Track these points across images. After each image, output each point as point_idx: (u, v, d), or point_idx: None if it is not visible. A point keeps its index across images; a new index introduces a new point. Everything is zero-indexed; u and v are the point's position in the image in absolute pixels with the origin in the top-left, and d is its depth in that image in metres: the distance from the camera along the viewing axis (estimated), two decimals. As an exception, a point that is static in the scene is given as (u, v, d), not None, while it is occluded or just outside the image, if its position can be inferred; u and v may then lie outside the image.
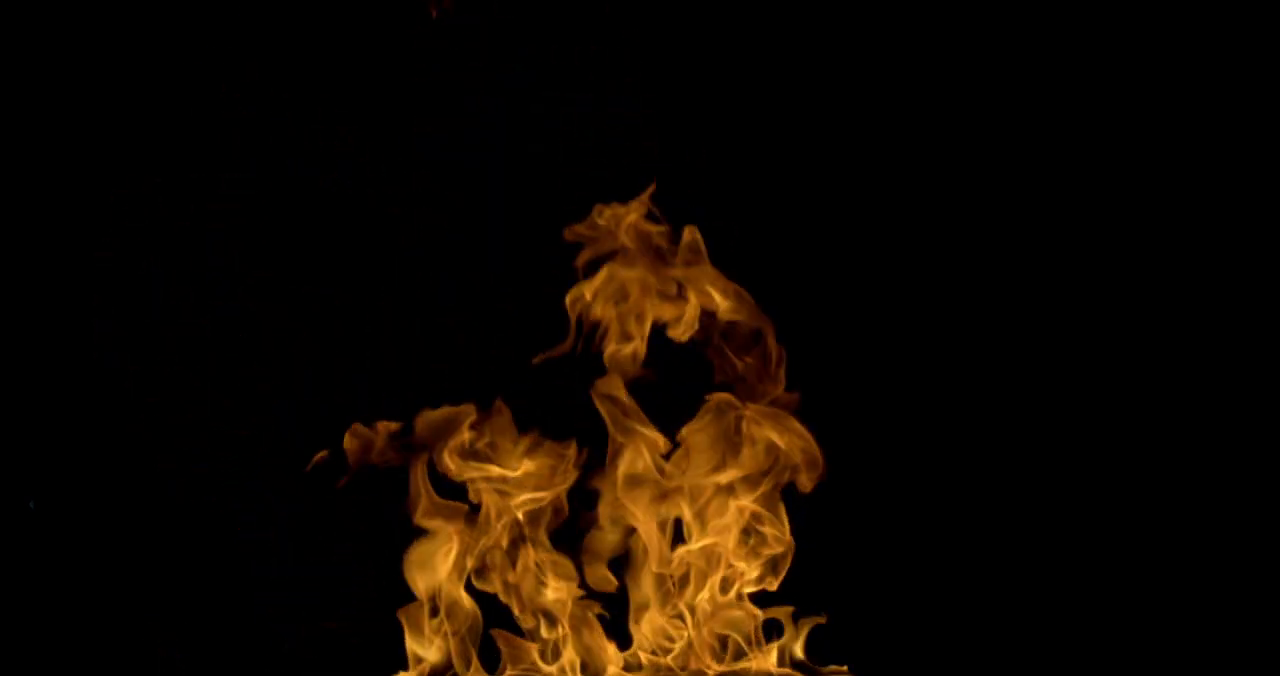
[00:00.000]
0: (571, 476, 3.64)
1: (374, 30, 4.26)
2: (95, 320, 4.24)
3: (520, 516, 3.62)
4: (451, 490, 3.66)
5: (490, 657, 3.64)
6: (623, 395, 3.68)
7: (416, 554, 3.61)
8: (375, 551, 3.87)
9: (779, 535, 3.64)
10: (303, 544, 4.22)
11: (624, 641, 3.67)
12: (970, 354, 4.29)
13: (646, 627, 3.66)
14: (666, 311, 3.72)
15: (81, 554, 4.23)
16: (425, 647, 3.61)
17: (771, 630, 3.66)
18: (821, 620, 3.65)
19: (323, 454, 3.69)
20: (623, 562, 3.69)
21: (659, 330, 3.74)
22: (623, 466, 3.66)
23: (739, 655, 3.64)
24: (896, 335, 4.30)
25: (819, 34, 4.29)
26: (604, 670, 3.64)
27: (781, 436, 3.65)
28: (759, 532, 3.65)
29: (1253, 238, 4.26)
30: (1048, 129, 4.28)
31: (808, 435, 3.66)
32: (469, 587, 3.64)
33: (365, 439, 3.65)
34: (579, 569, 3.66)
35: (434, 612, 3.62)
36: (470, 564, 3.62)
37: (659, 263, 3.73)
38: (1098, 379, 4.28)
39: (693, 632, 3.64)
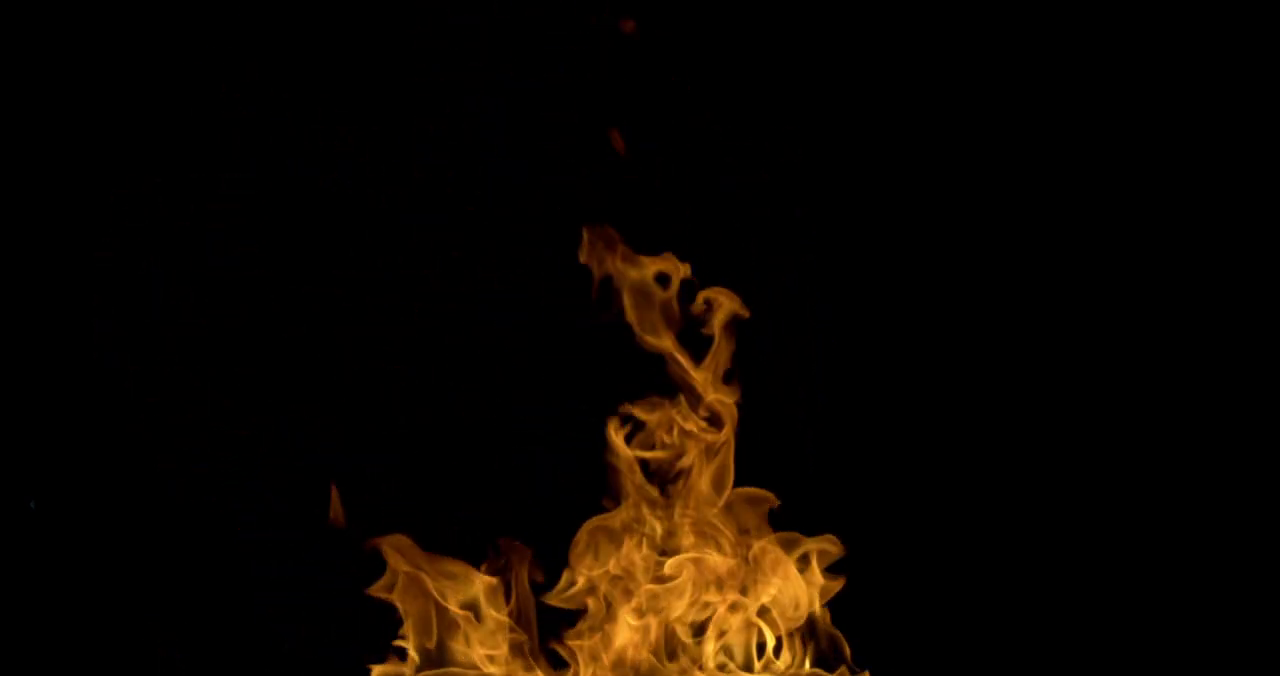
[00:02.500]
0: None
1: (374, 30, 4.26)
2: (95, 320, 4.24)
3: None
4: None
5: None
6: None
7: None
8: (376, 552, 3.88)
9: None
10: (303, 544, 4.21)
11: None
12: (971, 355, 4.30)
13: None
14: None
15: (81, 554, 4.23)
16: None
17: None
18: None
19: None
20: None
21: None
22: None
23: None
24: (896, 338, 4.31)
25: (822, 32, 4.29)
26: None
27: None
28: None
29: (1252, 239, 4.26)
30: (1043, 130, 4.28)
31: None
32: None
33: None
34: None
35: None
36: None
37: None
38: (1098, 381, 4.28)
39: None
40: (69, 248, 4.24)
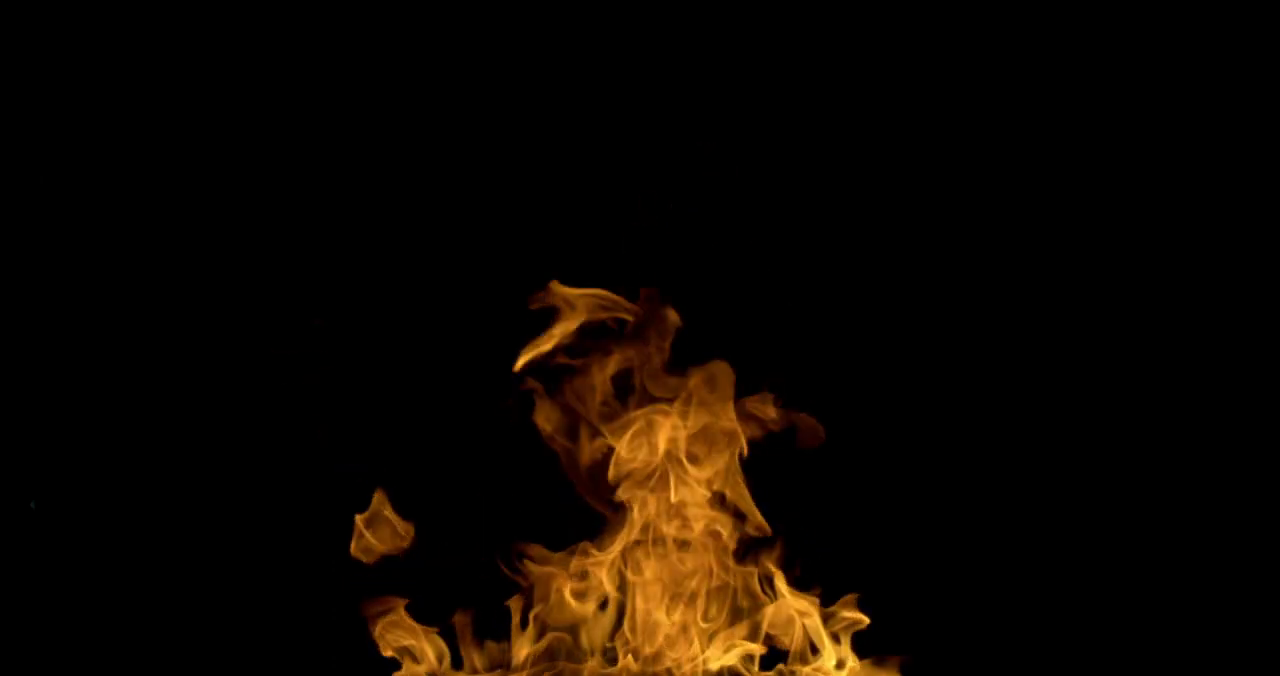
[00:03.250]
0: None
1: (374, 30, 4.27)
2: (95, 320, 4.25)
3: None
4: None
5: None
6: None
7: None
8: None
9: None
10: (304, 544, 4.22)
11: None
12: (969, 355, 4.30)
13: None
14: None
15: (81, 554, 4.23)
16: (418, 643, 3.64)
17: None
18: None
19: None
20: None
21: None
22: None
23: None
24: (896, 338, 4.31)
25: (823, 36, 4.29)
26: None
27: None
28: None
29: (1252, 239, 4.26)
30: (1040, 132, 4.29)
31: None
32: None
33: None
34: None
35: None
36: None
37: None
38: (1094, 379, 4.29)
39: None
40: (69, 247, 4.25)
